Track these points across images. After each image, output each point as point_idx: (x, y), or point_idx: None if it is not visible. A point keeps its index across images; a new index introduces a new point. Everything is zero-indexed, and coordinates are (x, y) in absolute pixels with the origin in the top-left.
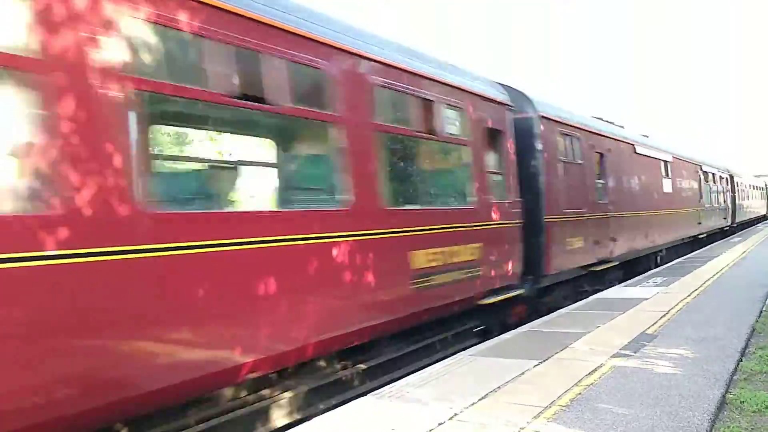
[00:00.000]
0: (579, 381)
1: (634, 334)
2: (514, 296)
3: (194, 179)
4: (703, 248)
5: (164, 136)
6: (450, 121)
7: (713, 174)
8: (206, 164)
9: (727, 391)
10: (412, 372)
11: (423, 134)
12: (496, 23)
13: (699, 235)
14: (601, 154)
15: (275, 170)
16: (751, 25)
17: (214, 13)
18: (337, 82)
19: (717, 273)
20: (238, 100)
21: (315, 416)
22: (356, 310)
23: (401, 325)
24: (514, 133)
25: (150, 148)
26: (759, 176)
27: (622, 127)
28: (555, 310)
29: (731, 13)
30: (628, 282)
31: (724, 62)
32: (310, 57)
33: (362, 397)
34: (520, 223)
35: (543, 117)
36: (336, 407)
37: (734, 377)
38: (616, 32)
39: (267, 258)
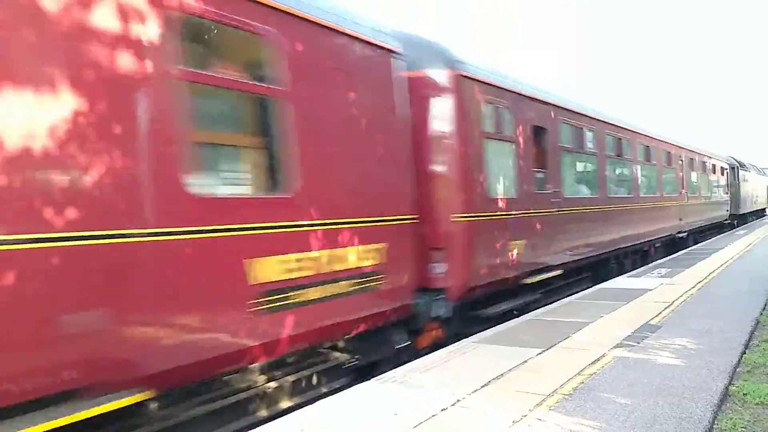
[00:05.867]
0: (582, 370)
1: (638, 324)
2: None
3: None
4: (707, 240)
5: None
6: None
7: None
8: None
9: (730, 383)
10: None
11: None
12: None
13: (677, 234)
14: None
15: None
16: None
17: None
18: None
19: (722, 265)
20: None
21: (318, 400)
22: None
23: None
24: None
25: None
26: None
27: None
28: None
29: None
30: (632, 273)
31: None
32: None
33: (365, 382)
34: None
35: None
36: (339, 391)
37: (738, 369)
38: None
39: None
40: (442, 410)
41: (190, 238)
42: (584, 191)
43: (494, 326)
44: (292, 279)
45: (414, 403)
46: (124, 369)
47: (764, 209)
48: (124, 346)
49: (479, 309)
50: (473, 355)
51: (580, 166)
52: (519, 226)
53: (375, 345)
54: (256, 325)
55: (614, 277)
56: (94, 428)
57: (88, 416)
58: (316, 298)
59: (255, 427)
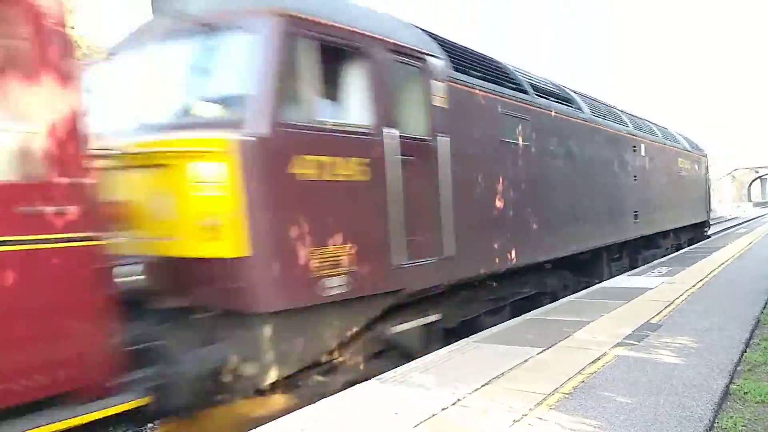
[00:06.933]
0: (582, 369)
1: (638, 323)
2: None
3: None
4: (707, 240)
5: None
6: None
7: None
8: None
9: (730, 382)
10: None
11: None
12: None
13: None
14: None
15: None
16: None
17: None
18: None
19: (722, 264)
20: None
21: (318, 399)
22: None
23: None
24: None
25: None
26: (760, 167)
27: None
28: None
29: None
30: (633, 272)
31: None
32: None
33: (366, 382)
34: None
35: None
36: (339, 391)
37: (738, 368)
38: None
39: None
40: (442, 409)
41: None
42: None
43: (494, 326)
44: None
45: (415, 403)
46: None
47: (704, 222)
48: None
49: None
50: (474, 354)
51: None
52: None
53: None
54: None
55: None
56: None
57: None
58: None
59: (255, 427)
